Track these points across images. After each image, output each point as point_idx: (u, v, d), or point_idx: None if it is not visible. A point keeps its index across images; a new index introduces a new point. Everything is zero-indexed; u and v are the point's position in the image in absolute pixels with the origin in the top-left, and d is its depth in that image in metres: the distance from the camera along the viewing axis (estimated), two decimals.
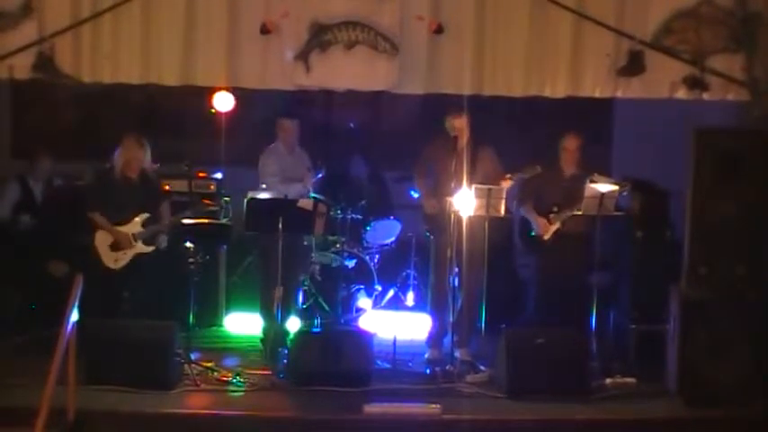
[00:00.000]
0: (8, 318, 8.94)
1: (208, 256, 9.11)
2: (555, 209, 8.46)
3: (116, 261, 8.33)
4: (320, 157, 9.57)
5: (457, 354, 8.31)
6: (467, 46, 7.87)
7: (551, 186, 8.51)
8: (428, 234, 8.68)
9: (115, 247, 8.33)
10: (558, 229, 8.47)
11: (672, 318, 7.88)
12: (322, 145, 11.06)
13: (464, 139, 8.31)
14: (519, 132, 10.48)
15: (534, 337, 7.81)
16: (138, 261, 8.34)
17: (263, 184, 8.73)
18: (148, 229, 8.36)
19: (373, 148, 11.20)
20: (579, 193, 8.33)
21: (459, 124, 8.32)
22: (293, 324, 8.75)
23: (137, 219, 8.36)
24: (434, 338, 8.62)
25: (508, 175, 8.20)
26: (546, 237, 8.49)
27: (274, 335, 8.48)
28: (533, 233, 8.56)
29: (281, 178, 8.76)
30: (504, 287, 8.92)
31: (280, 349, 8.34)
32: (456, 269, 8.19)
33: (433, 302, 8.69)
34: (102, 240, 8.34)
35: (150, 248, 8.38)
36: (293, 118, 9.00)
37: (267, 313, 8.63)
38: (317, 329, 8.95)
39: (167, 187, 8.93)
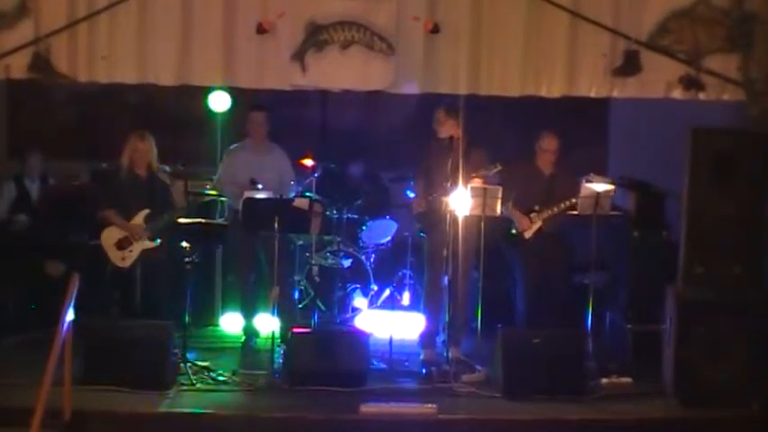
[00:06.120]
0: (5, 317, 8.94)
1: (204, 256, 9.11)
2: (536, 208, 8.48)
3: (123, 260, 8.38)
4: (316, 157, 9.64)
5: (447, 353, 8.29)
6: (463, 46, 7.87)
7: (532, 186, 8.53)
8: (421, 233, 8.70)
9: (121, 245, 8.36)
10: (539, 228, 8.50)
11: (668, 318, 7.88)
12: (320, 145, 11.12)
13: (445, 132, 8.28)
14: (516, 132, 10.48)
15: (531, 336, 7.83)
16: (146, 259, 8.40)
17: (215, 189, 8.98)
18: (149, 226, 8.38)
19: (370, 148, 11.21)
20: (559, 192, 8.40)
21: (441, 117, 8.35)
22: (265, 322, 8.91)
23: (139, 215, 8.39)
24: (427, 338, 8.63)
25: (473, 174, 8.18)
26: (527, 235, 8.51)
27: (247, 334, 8.97)
28: (514, 231, 8.57)
29: (232, 183, 8.85)
30: (500, 286, 8.91)
31: (249, 347, 8.83)
32: (451, 268, 8.19)
33: (426, 302, 8.71)
34: (107, 239, 8.39)
35: (155, 244, 8.41)
36: (264, 110, 9.02)
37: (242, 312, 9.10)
38: (313, 329, 8.99)
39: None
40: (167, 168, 8.91)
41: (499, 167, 8.21)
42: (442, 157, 8.14)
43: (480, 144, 8.42)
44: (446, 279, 8.23)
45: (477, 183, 8.13)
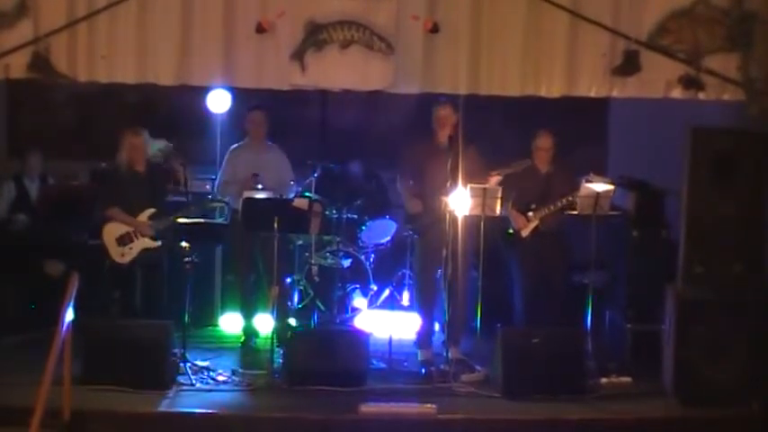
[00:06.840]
0: (5, 317, 8.94)
1: (203, 256, 9.10)
2: (533, 206, 8.48)
3: (123, 256, 8.39)
4: (315, 156, 9.64)
5: (447, 353, 8.29)
6: (462, 45, 7.85)
7: (528, 184, 8.53)
8: (415, 235, 8.69)
9: (122, 241, 8.38)
10: (536, 227, 8.50)
11: (667, 317, 7.89)
12: (320, 145, 11.12)
13: (446, 131, 8.28)
14: (515, 131, 10.49)
15: (530, 336, 7.82)
16: (146, 259, 8.41)
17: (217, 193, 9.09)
18: (154, 224, 8.40)
19: (370, 148, 11.21)
20: (556, 191, 8.41)
21: (444, 113, 8.34)
22: (263, 322, 8.99)
23: (144, 214, 8.42)
24: (423, 338, 8.63)
25: (494, 172, 8.19)
26: (524, 234, 8.51)
27: (247, 334, 9.04)
28: (511, 230, 8.57)
29: (234, 182, 8.91)
30: (499, 286, 8.91)
31: (249, 347, 8.88)
32: (450, 268, 8.18)
33: (420, 303, 8.71)
34: (109, 234, 8.40)
35: (156, 244, 8.43)
36: (262, 109, 9.12)
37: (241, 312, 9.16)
38: (313, 329, 8.99)
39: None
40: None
41: (529, 162, 8.28)
42: (440, 156, 8.14)
43: (474, 141, 8.40)
44: (442, 279, 8.22)
45: (495, 179, 8.12)
